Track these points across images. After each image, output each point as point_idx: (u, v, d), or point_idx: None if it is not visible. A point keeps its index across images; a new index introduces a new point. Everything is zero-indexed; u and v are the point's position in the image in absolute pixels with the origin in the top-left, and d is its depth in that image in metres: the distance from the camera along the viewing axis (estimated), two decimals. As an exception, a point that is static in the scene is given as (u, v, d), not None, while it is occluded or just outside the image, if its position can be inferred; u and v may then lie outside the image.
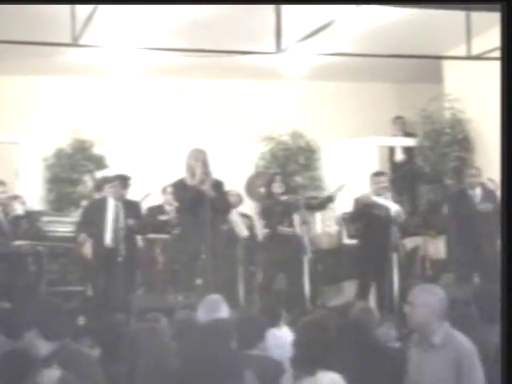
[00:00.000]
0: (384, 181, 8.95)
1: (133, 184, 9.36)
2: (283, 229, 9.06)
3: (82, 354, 4.39)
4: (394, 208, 8.69)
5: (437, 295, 4.61)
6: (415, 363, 4.64)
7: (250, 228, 9.50)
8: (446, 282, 9.04)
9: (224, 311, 5.77)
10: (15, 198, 9.57)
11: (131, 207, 8.97)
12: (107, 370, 4.52)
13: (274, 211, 9.08)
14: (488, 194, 8.95)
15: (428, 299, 4.59)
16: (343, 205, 10.65)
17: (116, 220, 8.66)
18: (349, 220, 9.43)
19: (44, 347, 4.22)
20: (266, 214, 9.23)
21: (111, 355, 4.84)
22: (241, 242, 9.25)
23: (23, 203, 9.56)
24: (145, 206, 9.59)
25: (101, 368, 4.41)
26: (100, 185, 9.49)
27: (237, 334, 4.97)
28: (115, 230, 8.61)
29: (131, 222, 8.83)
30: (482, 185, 9.10)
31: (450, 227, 9.18)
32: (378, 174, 9.13)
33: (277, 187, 9.14)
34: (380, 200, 8.77)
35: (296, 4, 8.22)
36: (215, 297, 6.01)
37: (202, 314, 5.75)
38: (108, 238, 8.63)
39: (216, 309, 5.74)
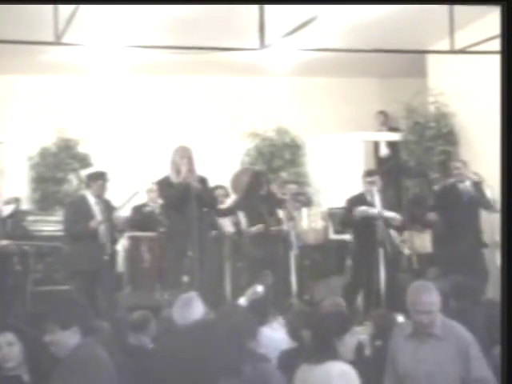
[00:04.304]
0: (375, 179, 8.95)
1: (118, 182, 9.32)
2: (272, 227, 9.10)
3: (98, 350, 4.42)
4: (390, 215, 8.77)
5: (435, 290, 4.80)
6: (410, 354, 4.77)
7: (236, 224, 9.48)
8: (431, 275, 9.07)
9: (198, 309, 5.71)
10: (16, 200, 9.52)
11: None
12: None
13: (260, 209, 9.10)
14: (476, 186, 8.94)
15: (431, 296, 4.77)
16: (329, 200, 10.68)
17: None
18: (341, 225, 9.51)
19: (73, 341, 4.29)
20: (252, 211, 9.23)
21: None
22: (227, 238, 9.24)
23: (17, 205, 9.53)
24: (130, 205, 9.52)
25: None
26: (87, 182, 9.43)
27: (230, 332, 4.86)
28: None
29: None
30: (469, 178, 9.11)
31: (436, 221, 9.16)
32: (369, 173, 9.14)
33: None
34: (375, 210, 8.73)
35: (279, 4, 8.22)
36: (190, 294, 5.96)
37: (176, 312, 5.70)
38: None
39: (190, 306, 5.69)
